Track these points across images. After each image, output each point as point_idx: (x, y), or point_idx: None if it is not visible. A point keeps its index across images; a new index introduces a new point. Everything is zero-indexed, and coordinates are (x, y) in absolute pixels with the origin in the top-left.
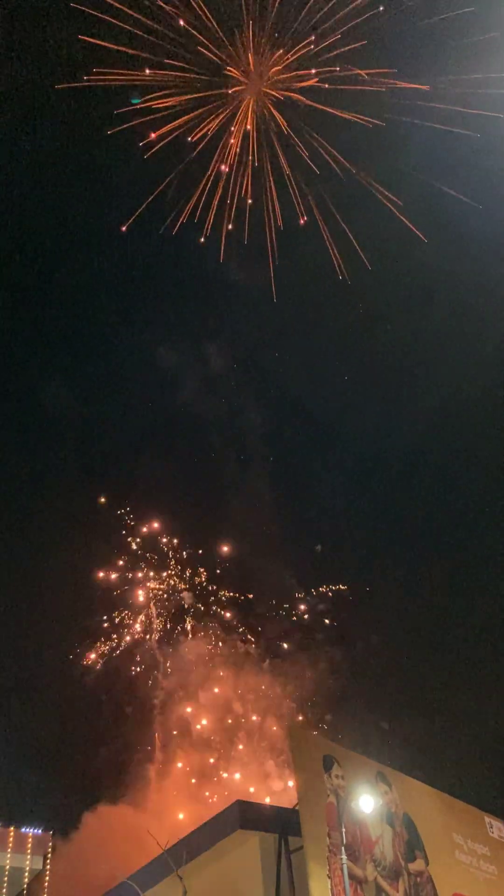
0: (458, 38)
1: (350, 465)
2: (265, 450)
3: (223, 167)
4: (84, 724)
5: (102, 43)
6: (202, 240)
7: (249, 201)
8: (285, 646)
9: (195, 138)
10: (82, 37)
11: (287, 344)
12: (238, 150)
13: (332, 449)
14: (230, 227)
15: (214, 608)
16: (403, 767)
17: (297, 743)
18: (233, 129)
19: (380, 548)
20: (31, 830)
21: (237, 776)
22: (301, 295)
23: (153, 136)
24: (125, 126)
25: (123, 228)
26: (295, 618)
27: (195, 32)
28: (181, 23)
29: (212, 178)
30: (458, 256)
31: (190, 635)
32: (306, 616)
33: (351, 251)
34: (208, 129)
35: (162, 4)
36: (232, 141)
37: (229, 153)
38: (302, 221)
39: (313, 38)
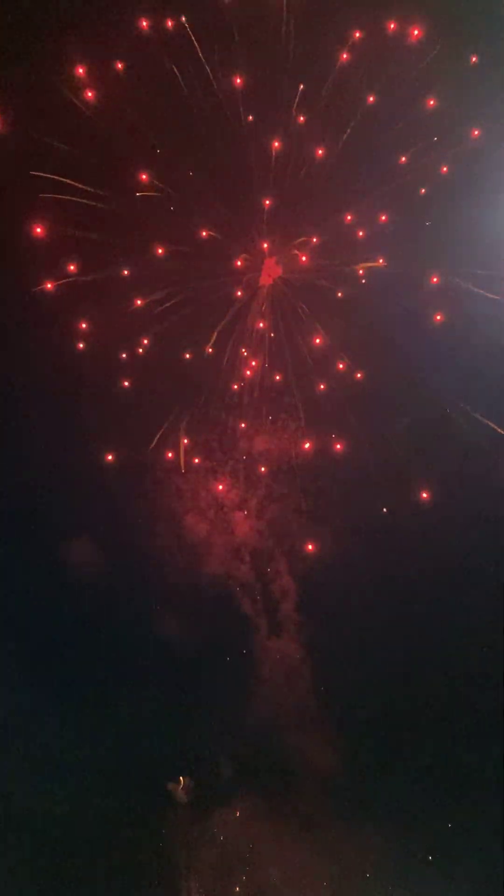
0: None
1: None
2: (297, 617)
3: (234, 385)
4: None
5: (70, 230)
6: (220, 487)
7: (270, 418)
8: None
9: (191, 355)
10: (40, 227)
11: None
12: (254, 364)
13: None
14: (244, 457)
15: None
16: None
17: None
18: (244, 350)
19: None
20: None
21: None
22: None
23: (140, 348)
24: (103, 335)
25: (109, 458)
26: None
27: (191, 215)
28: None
29: (217, 397)
30: None
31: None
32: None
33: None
34: (210, 338)
35: (152, 185)
36: (244, 354)
37: (240, 365)
38: (337, 448)
39: (349, 217)
